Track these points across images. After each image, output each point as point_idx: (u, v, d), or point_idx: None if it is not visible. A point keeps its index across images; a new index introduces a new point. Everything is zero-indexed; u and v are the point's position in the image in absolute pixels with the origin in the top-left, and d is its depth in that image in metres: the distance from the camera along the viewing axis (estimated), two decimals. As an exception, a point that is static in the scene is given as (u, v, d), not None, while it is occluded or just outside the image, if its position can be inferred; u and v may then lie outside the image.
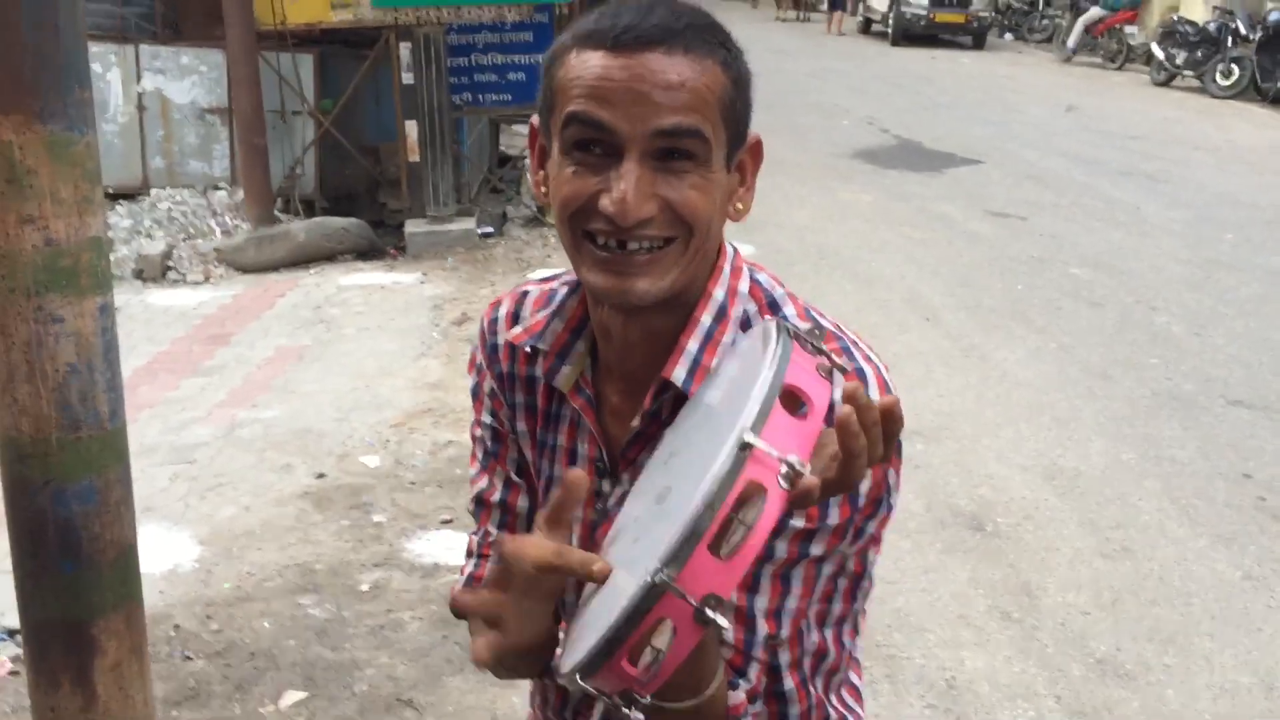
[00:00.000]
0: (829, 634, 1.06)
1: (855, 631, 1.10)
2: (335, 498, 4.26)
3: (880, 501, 1.01)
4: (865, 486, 0.97)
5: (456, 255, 7.66)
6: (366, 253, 7.80)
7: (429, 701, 3.10)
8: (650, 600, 0.72)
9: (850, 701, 1.17)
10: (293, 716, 3.04)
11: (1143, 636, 3.46)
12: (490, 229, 8.21)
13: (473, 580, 1.23)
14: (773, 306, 1.07)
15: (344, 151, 8.22)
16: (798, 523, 0.98)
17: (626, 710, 0.78)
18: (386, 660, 3.29)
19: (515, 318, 1.17)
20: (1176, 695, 3.17)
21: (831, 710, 1.09)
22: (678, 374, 1.03)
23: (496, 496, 1.21)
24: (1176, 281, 7.15)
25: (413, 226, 7.96)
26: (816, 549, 1.00)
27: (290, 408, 5.12)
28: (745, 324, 1.05)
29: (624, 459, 1.09)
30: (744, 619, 1.01)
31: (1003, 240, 8.08)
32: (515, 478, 1.20)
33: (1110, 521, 4.16)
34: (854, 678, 1.17)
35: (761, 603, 1.01)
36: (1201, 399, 5.27)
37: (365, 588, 3.67)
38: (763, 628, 1.02)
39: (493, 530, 1.22)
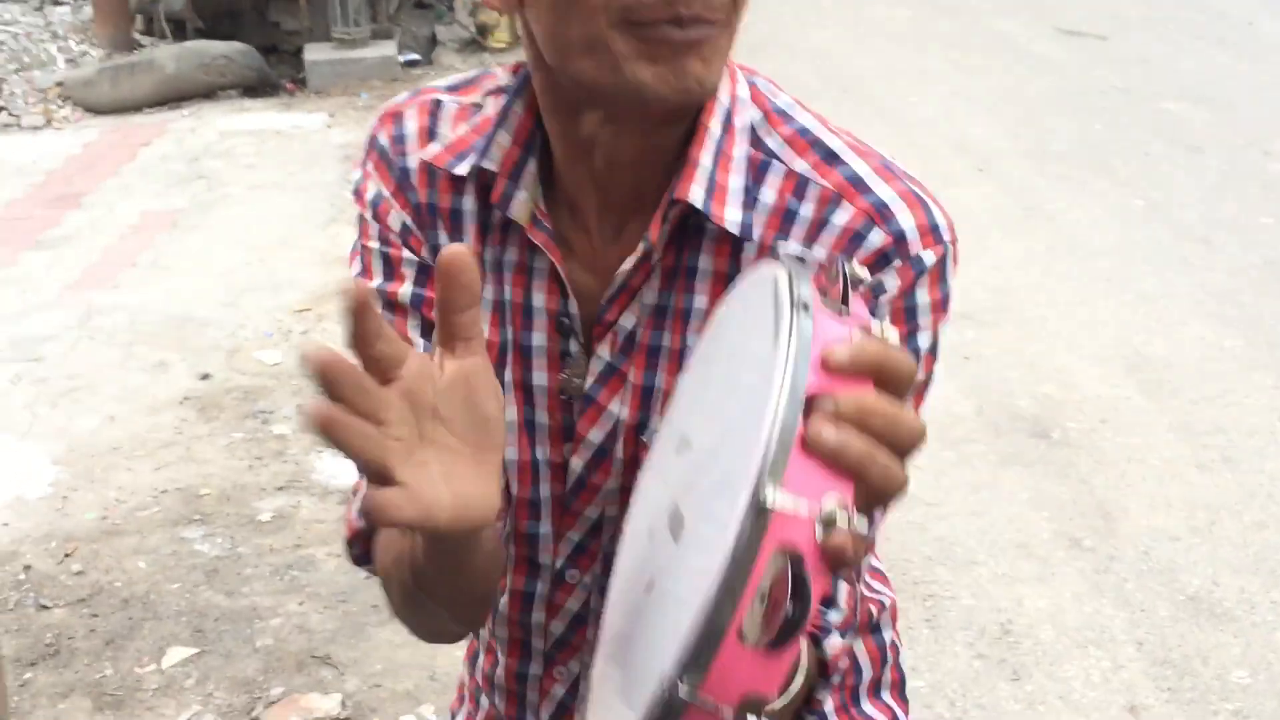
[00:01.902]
0: None
1: None
2: (225, 404, 4.26)
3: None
4: None
5: (372, 90, 7.53)
6: (255, 88, 7.69)
7: (351, 658, 3.13)
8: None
9: (876, 585, 1.28)
10: (179, 678, 3.08)
11: (1246, 568, 3.48)
12: (415, 56, 8.09)
13: None
14: (780, 115, 1.11)
15: (222, -46, 8.06)
16: None
17: None
18: (296, 608, 3.29)
19: (430, 134, 1.17)
20: (1288, 639, 3.22)
21: (864, 597, 1.16)
22: (695, 192, 1.05)
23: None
24: (1298, 119, 7.16)
25: (314, 53, 7.83)
26: None
27: (163, 289, 5.08)
28: (754, 138, 1.09)
29: (601, 321, 1.12)
30: None
31: (1077, 67, 7.99)
32: None
33: (1207, 425, 4.17)
34: (874, 559, 1.28)
35: None
36: (1326, 270, 5.31)
37: (266, 517, 3.67)
38: None
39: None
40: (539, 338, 1.14)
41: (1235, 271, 5.30)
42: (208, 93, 7.57)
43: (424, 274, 1.16)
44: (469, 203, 1.15)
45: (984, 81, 7.70)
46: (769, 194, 1.07)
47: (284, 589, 3.38)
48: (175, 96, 7.48)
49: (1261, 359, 4.61)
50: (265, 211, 5.84)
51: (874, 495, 0.72)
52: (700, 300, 1.09)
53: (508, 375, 1.14)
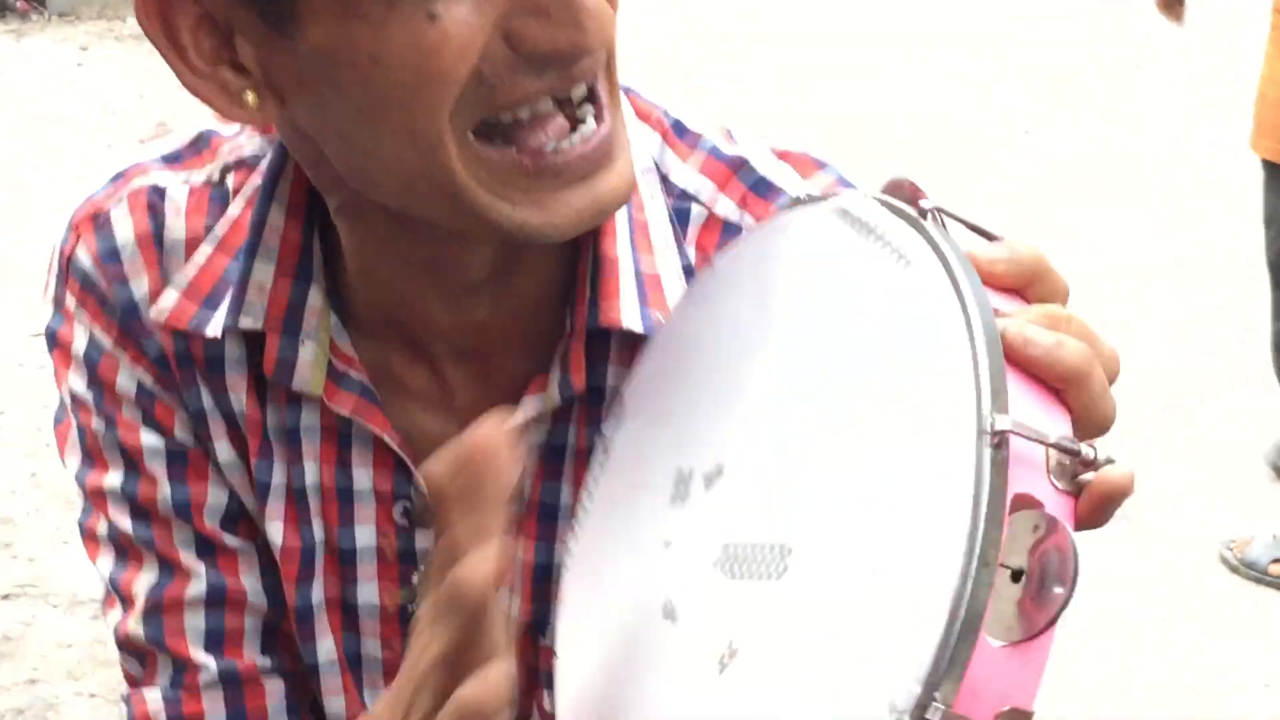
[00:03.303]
0: None
1: None
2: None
3: None
4: None
5: None
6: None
7: None
8: None
9: None
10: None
11: None
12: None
13: None
14: (680, 133, 0.94)
15: None
16: None
17: None
18: None
19: (157, 240, 0.93)
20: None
21: None
22: (627, 312, 0.87)
23: (193, 589, 0.95)
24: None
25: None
26: None
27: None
28: (665, 183, 0.92)
29: None
30: None
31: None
32: (229, 538, 0.96)
33: None
34: None
35: None
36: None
37: None
38: None
39: (198, 657, 0.95)
40: (364, 535, 0.93)
41: None
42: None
43: (182, 462, 0.94)
44: (233, 349, 0.92)
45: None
46: (693, 254, 0.90)
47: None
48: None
49: None
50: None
51: (1090, 424, 0.64)
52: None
53: (316, 594, 0.94)
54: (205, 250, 0.92)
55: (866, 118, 6.55)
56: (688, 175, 0.91)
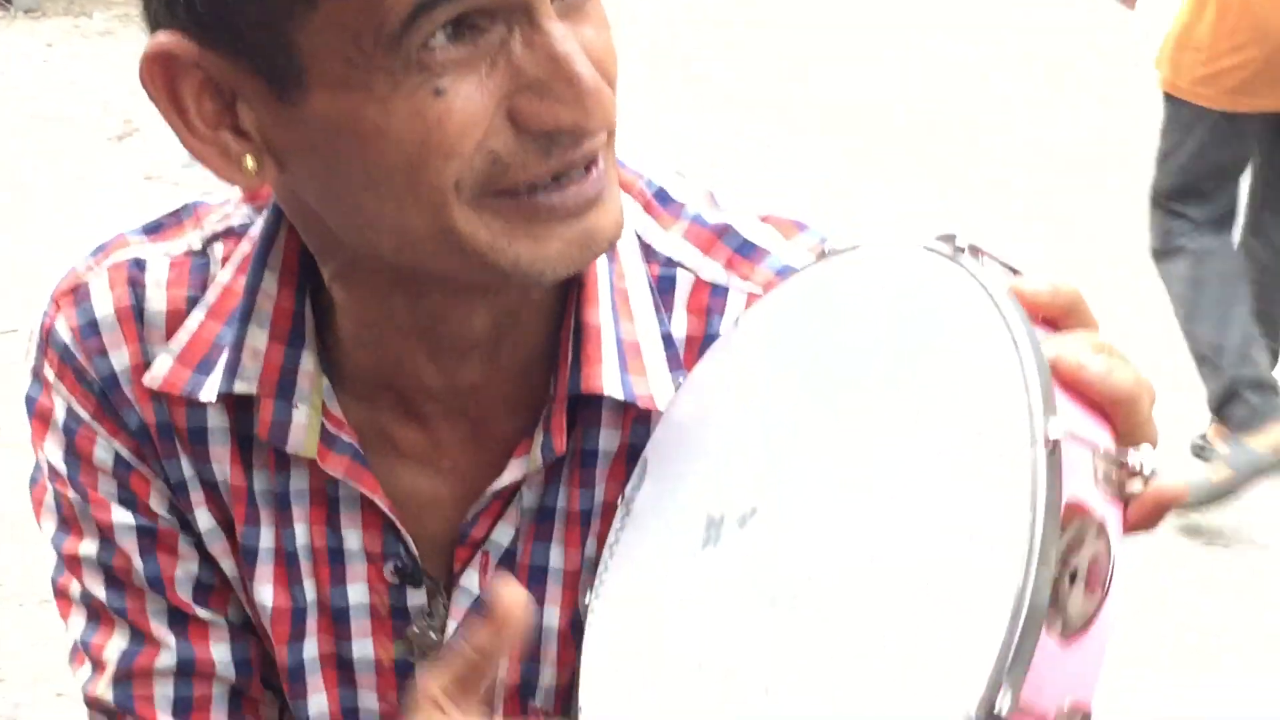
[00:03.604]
0: None
1: None
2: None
3: None
4: None
5: (110, 6, 6.37)
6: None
7: None
8: None
9: None
10: None
11: None
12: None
13: None
14: (663, 200, 0.95)
15: None
16: None
17: None
18: None
19: (138, 315, 0.94)
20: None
21: None
22: (608, 379, 0.88)
23: (162, 659, 0.97)
24: None
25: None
26: None
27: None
28: (645, 250, 0.93)
29: (465, 541, 0.93)
30: None
31: None
32: (200, 610, 0.97)
33: None
34: None
35: None
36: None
37: None
38: None
39: None
40: (357, 592, 0.94)
41: None
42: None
43: (153, 539, 0.95)
44: (216, 418, 0.93)
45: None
46: (681, 322, 0.92)
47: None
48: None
49: None
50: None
51: (1135, 445, 0.67)
52: (602, 493, 0.92)
53: (309, 651, 0.95)
54: (197, 316, 0.93)
55: (865, 104, 6.52)
56: (672, 243, 0.92)
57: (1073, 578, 0.63)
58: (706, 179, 0.99)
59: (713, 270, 0.92)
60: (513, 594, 0.77)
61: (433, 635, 0.95)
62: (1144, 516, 0.66)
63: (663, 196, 0.95)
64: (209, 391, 0.91)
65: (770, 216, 0.95)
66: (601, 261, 0.89)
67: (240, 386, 0.90)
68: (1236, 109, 3.53)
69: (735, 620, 0.73)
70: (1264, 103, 3.51)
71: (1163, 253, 3.70)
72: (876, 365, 0.74)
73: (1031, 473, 0.62)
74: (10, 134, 5.47)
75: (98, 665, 0.97)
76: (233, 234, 0.95)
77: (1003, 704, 0.60)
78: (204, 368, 0.91)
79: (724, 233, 0.93)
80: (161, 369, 0.92)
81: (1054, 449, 0.62)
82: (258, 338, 0.90)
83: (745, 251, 0.92)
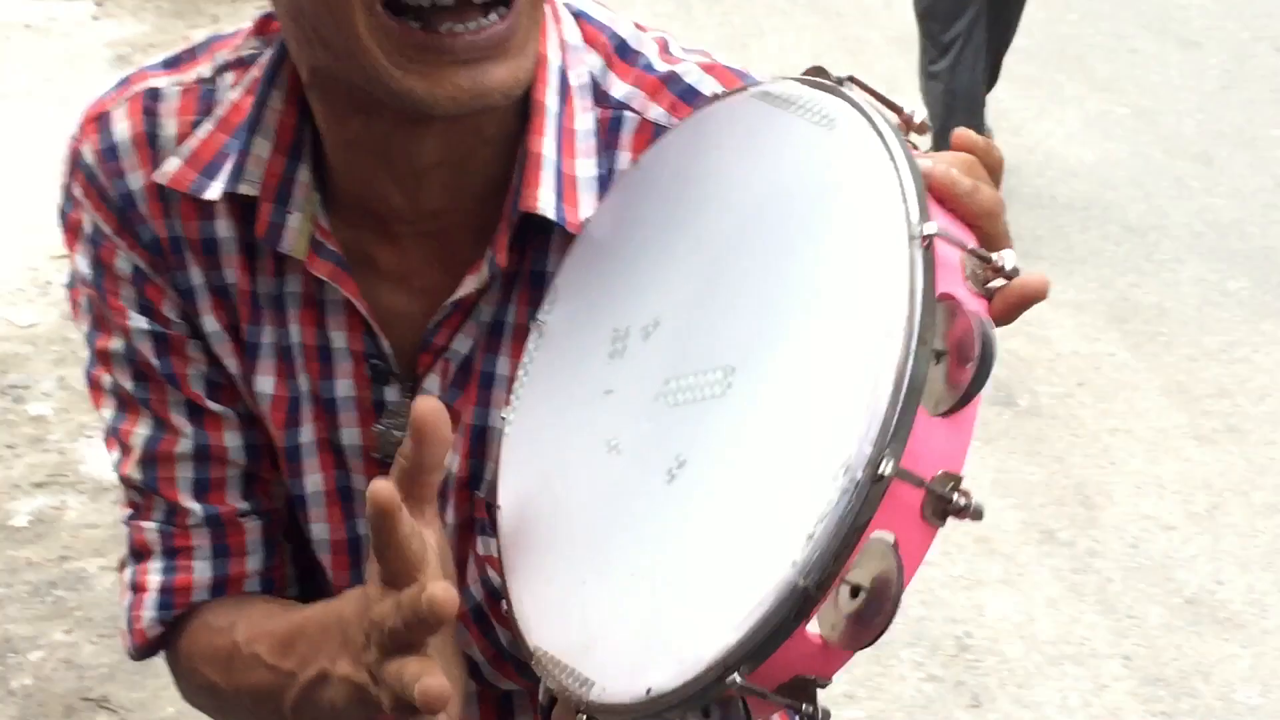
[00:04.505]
0: None
1: None
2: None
3: None
4: None
5: None
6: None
7: (135, 700, 2.90)
8: (869, 505, 0.71)
9: None
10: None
11: (1255, 562, 3.36)
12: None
13: (170, 598, 1.14)
14: (623, 53, 1.07)
15: None
16: None
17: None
18: (62, 637, 3.09)
19: (150, 140, 1.07)
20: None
21: None
22: (544, 199, 1.01)
23: (181, 445, 1.13)
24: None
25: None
26: None
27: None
28: (600, 96, 1.06)
29: (428, 347, 1.07)
30: None
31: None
32: (212, 404, 1.13)
33: (1207, 387, 4.03)
34: None
35: None
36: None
37: (23, 521, 3.41)
38: None
39: (187, 502, 1.13)
40: (344, 386, 1.09)
41: (1240, 196, 5.11)
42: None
43: (165, 342, 1.10)
44: (224, 227, 1.07)
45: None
46: (626, 160, 1.03)
47: (46, 614, 3.16)
48: None
49: (1272, 304, 4.42)
50: (13, 130, 5.30)
51: (995, 245, 0.79)
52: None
53: (305, 436, 1.10)
54: (207, 127, 1.05)
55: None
56: (625, 90, 1.04)
57: (940, 356, 0.73)
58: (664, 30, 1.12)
59: (656, 113, 1.03)
60: (428, 409, 0.87)
61: (395, 433, 1.07)
62: (1007, 310, 0.78)
63: (623, 49, 1.07)
64: (214, 191, 1.03)
65: (715, 65, 1.06)
66: (553, 102, 1.02)
67: (244, 188, 1.03)
68: None
69: (641, 416, 0.85)
70: None
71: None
72: (767, 185, 0.86)
73: (909, 265, 0.73)
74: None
75: (126, 449, 1.12)
76: (242, 64, 1.07)
77: (886, 465, 0.71)
78: (210, 171, 1.04)
79: (670, 80, 1.04)
80: (170, 168, 1.04)
81: (929, 244, 0.74)
82: (262, 148, 1.04)
83: (687, 98, 1.03)
